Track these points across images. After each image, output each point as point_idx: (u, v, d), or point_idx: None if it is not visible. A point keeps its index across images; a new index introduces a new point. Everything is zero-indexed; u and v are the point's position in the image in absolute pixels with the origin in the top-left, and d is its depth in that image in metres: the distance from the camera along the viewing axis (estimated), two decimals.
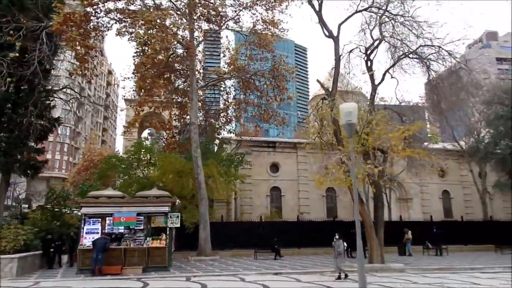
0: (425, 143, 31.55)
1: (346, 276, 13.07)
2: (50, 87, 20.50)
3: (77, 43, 15.06)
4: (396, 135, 14.72)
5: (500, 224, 27.36)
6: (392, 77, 19.85)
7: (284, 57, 24.15)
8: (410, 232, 23.17)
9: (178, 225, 16.03)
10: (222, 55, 26.11)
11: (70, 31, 15.03)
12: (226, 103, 25.42)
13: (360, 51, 19.70)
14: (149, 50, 16.27)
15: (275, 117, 25.64)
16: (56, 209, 20.97)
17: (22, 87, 17.96)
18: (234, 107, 25.99)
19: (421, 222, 26.13)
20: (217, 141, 25.80)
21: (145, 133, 42.80)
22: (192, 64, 20.76)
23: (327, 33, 18.09)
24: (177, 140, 26.00)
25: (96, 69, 18.12)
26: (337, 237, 13.71)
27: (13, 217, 26.64)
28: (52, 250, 17.42)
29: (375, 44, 18.93)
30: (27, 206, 33.54)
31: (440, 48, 17.66)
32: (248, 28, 24.48)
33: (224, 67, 24.68)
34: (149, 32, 15.34)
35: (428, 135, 26.14)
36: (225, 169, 22.94)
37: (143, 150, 23.25)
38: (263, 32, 23.95)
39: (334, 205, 32.80)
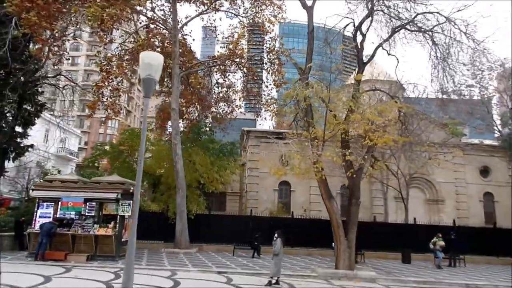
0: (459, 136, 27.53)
1: (277, 282, 11.12)
2: (40, 75, 20.78)
3: (35, 25, 14.76)
4: (357, 117, 12.24)
5: None
6: (389, 54, 17.02)
7: (279, 39, 22.13)
8: (441, 237, 19.09)
9: (129, 214, 15.12)
10: (222, 39, 24.80)
11: (28, 14, 14.79)
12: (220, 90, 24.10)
13: (354, 26, 17.15)
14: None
15: (274, 104, 23.75)
16: None
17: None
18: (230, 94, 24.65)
19: (437, 227, 22.39)
20: (207, 129, 24.53)
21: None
22: (174, 47, 19.76)
23: (301, 3, 15.85)
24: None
25: (67, 53, 18.04)
26: (276, 236, 11.74)
27: (26, 200, 28.18)
28: (25, 232, 17.62)
29: (368, 15, 16.23)
30: None
31: (440, 15, 14.53)
32: (245, 9, 22.97)
33: (219, 52, 23.38)
34: (105, 10, 14.59)
35: (449, 127, 22.26)
36: (212, 159, 21.67)
37: (133, 138, 22.90)
38: (261, 11, 22.32)
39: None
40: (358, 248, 19.21)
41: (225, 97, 25.49)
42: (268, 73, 23.16)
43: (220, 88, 24.56)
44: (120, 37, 19.08)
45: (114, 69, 16.32)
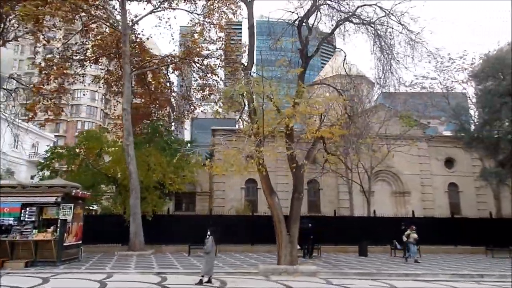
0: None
1: (209, 281, 10.93)
2: None
3: None
4: (289, 111, 12.19)
5: (500, 222, 23.12)
6: (335, 48, 17.12)
7: (233, 35, 21.97)
8: (415, 229, 18.13)
9: (70, 217, 14.76)
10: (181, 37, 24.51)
11: None
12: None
13: (299, 19, 17.03)
14: None
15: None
16: None
17: None
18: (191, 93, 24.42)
19: (396, 218, 22.53)
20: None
21: None
22: (124, 47, 19.38)
23: None
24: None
25: None
26: (208, 233, 11.57)
27: None
28: None
29: (312, 7, 16.13)
30: None
31: (378, 8, 14.58)
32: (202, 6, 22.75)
33: (174, 51, 23.11)
34: (39, 9, 14.17)
35: (403, 118, 22.46)
36: (168, 159, 21.40)
37: (90, 141, 22.41)
38: (217, 8, 22.14)
39: (318, 199, 30.02)
40: (316, 242, 19.32)
41: (185, 95, 25.27)
42: (222, 69, 23.05)
43: (180, 87, 24.31)
44: (63, 36, 18.64)
45: (54, 70, 15.91)
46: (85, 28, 17.92)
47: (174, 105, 24.25)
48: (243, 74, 15.09)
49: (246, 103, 15.29)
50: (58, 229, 14.41)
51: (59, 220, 14.53)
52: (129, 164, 19.22)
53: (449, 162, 31.28)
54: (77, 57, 18.96)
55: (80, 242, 16.17)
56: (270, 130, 13.77)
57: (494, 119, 19.02)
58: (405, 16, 14.85)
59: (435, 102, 29.22)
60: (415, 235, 18.11)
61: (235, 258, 17.79)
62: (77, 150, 22.46)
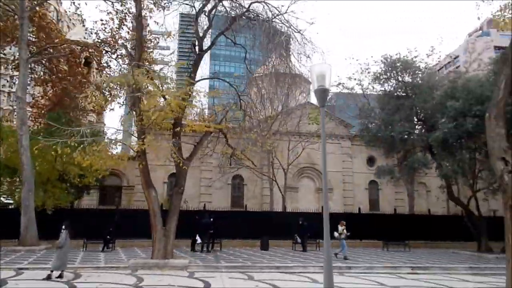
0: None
1: (60, 276, 10.60)
2: None
3: None
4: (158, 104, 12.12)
5: (401, 218, 24.44)
6: (235, 44, 17.05)
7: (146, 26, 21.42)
8: (344, 224, 17.42)
9: None
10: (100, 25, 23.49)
11: None
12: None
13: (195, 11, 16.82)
14: None
15: None
16: None
17: None
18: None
19: (300, 213, 23.01)
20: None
21: None
22: (21, 31, 18.31)
23: None
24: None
25: None
26: (63, 227, 11.26)
27: None
28: None
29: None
30: None
31: (266, 5, 14.73)
32: None
33: (85, 38, 22.17)
34: None
35: (309, 117, 23.16)
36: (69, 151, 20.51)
37: None
38: None
39: (241, 194, 30.23)
40: (217, 237, 19.41)
41: (99, 84, 24.41)
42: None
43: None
44: None
45: None
46: None
47: (89, 94, 23.34)
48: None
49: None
50: None
51: None
52: (22, 154, 18.29)
53: (370, 161, 32.57)
54: None
55: None
56: (149, 123, 13.57)
57: (391, 120, 19.93)
58: (297, 15, 15.09)
59: (358, 102, 30.30)
60: (344, 231, 17.50)
61: (129, 253, 17.44)
62: None
